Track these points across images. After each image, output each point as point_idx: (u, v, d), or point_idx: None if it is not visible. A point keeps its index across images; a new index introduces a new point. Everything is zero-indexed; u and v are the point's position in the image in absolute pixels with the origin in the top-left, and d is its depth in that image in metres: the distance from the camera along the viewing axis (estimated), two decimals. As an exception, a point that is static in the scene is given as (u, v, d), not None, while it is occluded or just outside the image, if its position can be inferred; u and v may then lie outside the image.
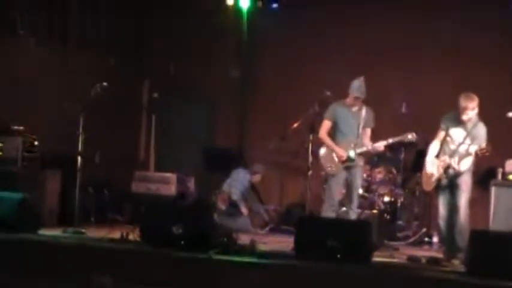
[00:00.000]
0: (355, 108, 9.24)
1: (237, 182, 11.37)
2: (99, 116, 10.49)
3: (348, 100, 9.25)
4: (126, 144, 12.90)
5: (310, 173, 9.29)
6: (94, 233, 9.15)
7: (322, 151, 9.29)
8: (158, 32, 12.97)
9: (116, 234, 8.58)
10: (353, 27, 11.95)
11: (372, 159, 10.98)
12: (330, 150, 9.20)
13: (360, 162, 9.30)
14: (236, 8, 12.39)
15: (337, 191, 9.24)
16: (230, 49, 12.64)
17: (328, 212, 9.13)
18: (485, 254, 7.34)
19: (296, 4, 12.21)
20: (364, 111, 9.25)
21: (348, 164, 9.14)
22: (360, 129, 9.20)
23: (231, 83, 12.69)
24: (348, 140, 9.19)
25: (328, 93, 9.60)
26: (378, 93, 11.19)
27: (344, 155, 9.11)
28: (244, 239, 8.36)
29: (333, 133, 9.26)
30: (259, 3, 12.34)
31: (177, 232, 7.99)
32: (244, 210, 11.25)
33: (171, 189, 11.52)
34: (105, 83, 9.55)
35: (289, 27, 12.30)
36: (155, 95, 12.68)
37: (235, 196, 11.23)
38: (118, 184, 11.71)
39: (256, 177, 11.56)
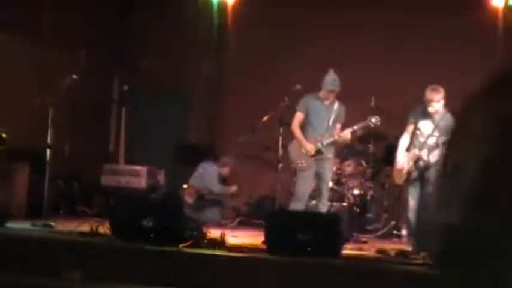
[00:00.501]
0: (327, 102, 9.25)
1: (204, 175, 11.34)
2: (69, 109, 10.42)
3: (321, 93, 9.26)
4: (96, 137, 12.85)
5: (280, 166, 9.31)
6: (63, 226, 9.08)
7: (292, 145, 9.29)
8: (129, 26, 12.91)
9: (86, 228, 8.53)
10: (323, 23, 12.00)
11: (342, 152, 11.06)
12: (299, 144, 9.22)
13: (329, 154, 9.31)
14: (208, 3, 12.37)
15: (306, 184, 9.25)
16: (201, 44, 12.61)
17: (297, 205, 9.14)
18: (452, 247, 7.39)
19: (268, 2, 12.21)
20: (336, 106, 9.27)
21: (317, 157, 9.16)
22: (331, 123, 9.22)
23: (202, 76, 12.67)
24: (317, 133, 9.20)
25: (299, 86, 9.62)
26: (347, 87, 11.27)
27: (312, 149, 9.12)
28: (214, 232, 8.36)
29: (303, 125, 9.27)
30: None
31: (147, 225, 7.96)
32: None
33: (141, 182, 11.49)
34: (74, 76, 9.49)
35: (260, 23, 12.30)
36: (125, 88, 12.63)
37: (202, 190, 11.20)
38: (88, 177, 11.66)
39: (225, 170, 11.54)
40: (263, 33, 12.28)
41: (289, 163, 9.60)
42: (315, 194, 9.44)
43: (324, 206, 9.32)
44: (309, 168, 9.15)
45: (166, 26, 12.57)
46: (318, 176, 9.24)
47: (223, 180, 11.58)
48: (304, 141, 9.14)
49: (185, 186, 11.31)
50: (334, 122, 9.27)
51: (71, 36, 12.07)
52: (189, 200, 11.16)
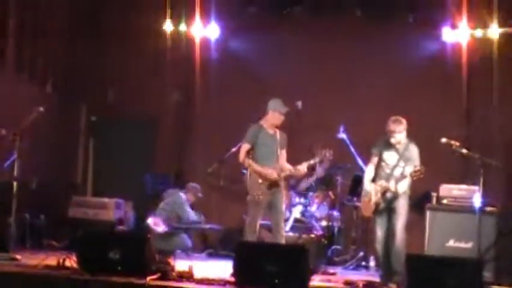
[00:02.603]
0: (272, 131, 9.29)
1: (174, 203, 11.27)
2: (36, 141, 10.35)
3: (266, 123, 9.29)
4: (64, 168, 12.76)
5: (248, 197, 9.30)
6: (29, 259, 8.99)
7: (248, 177, 9.27)
8: (97, 57, 12.90)
9: (52, 261, 8.46)
10: (291, 53, 12.10)
11: (311, 184, 11.12)
12: (256, 176, 9.19)
13: (282, 185, 9.33)
14: (177, 34, 12.43)
15: (259, 216, 9.15)
16: (170, 73, 12.63)
17: (249, 237, 9.08)
18: (420, 277, 7.45)
19: (237, 33, 12.30)
20: (278, 133, 9.32)
21: (273, 189, 9.15)
22: (279, 152, 9.25)
23: (171, 106, 12.68)
24: (267, 163, 9.19)
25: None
26: (315, 118, 11.37)
27: (274, 174, 9.11)
28: (182, 265, 8.33)
29: (252, 156, 9.24)
30: (198, 29, 12.36)
31: (114, 258, 7.92)
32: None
33: (109, 215, 11.43)
34: (41, 108, 9.45)
35: (230, 55, 12.39)
36: (93, 118, 12.59)
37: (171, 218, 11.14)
38: (55, 209, 11.56)
39: (192, 197, 11.50)
40: (232, 65, 12.34)
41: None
42: (272, 225, 9.36)
43: (282, 238, 9.23)
44: (265, 200, 9.12)
45: (134, 56, 12.58)
46: (272, 208, 9.20)
47: (191, 208, 11.52)
48: (265, 169, 9.11)
49: (152, 217, 11.22)
50: (281, 149, 9.29)
51: (38, 68, 12.04)
52: (157, 229, 11.06)
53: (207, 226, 11.58)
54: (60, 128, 12.18)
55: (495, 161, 9.91)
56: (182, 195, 11.36)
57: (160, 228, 11.05)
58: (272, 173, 9.10)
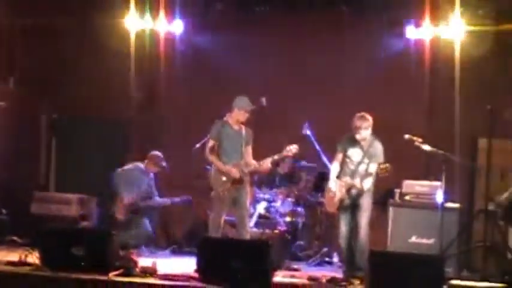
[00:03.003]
0: (237, 127, 9.33)
1: (132, 182, 11.04)
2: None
3: (231, 119, 9.33)
4: (26, 164, 12.64)
5: (212, 193, 9.31)
6: (-9, 255, 8.93)
7: (212, 173, 9.29)
8: (59, 54, 12.79)
9: (14, 257, 8.40)
10: (258, 50, 12.10)
11: (275, 180, 11.15)
12: (219, 172, 9.22)
13: (246, 181, 9.36)
14: (141, 32, 12.36)
15: (223, 212, 9.24)
16: (134, 70, 12.56)
17: (213, 233, 9.12)
18: (383, 273, 7.50)
19: (204, 29, 12.27)
20: (244, 130, 9.36)
21: (238, 185, 9.19)
22: (243, 148, 9.29)
23: (134, 103, 12.61)
24: (232, 159, 9.25)
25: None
26: (280, 114, 11.38)
27: (237, 174, 9.15)
28: (146, 261, 8.31)
29: (218, 152, 9.27)
30: (164, 26, 12.29)
31: (77, 254, 7.88)
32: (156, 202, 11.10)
33: (72, 210, 11.34)
34: (2, 103, 9.36)
35: (196, 51, 12.34)
36: (55, 116, 12.49)
37: (131, 199, 10.93)
38: (17, 205, 11.46)
39: (152, 167, 11.13)
40: (199, 60, 12.31)
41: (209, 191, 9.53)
42: (236, 221, 9.42)
43: (246, 233, 9.29)
44: (229, 196, 9.17)
45: (96, 53, 12.48)
46: (237, 204, 9.25)
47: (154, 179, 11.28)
48: (228, 168, 9.15)
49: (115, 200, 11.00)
50: (246, 146, 9.33)
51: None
52: (120, 216, 10.93)
53: (177, 199, 11.24)
54: (22, 124, 12.06)
55: (457, 157, 10.03)
56: (139, 164, 11.21)
57: (122, 215, 10.82)
58: (235, 173, 9.13)
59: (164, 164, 11.17)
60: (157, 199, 11.18)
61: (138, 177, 11.11)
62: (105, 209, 11.47)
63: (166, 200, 11.22)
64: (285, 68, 12.02)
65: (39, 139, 13.15)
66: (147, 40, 12.27)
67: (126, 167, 11.18)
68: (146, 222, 10.98)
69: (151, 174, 11.22)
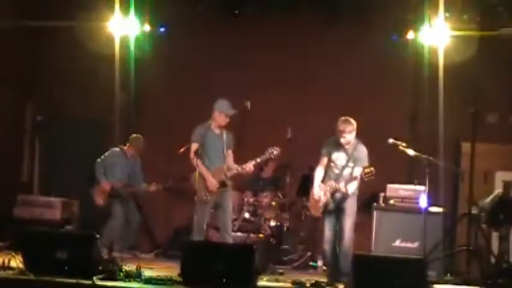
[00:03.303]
0: (218, 131, 9.36)
1: (111, 167, 10.89)
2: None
3: (213, 123, 9.36)
4: (9, 167, 12.58)
5: (196, 197, 9.30)
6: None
7: (194, 177, 9.28)
8: (42, 55, 12.74)
9: (-3, 261, 8.35)
10: (240, 53, 12.11)
11: (259, 184, 11.16)
12: (202, 177, 9.23)
13: (229, 185, 9.39)
14: (122, 31, 12.30)
15: (205, 216, 9.28)
16: (117, 71, 12.52)
17: (197, 236, 9.13)
18: (367, 277, 7.52)
19: (185, 31, 12.24)
20: (225, 133, 9.39)
21: (220, 189, 9.21)
22: (225, 152, 9.31)
23: (118, 106, 12.57)
24: (214, 163, 9.29)
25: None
26: (264, 118, 11.39)
27: (215, 186, 9.17)
28: (129, 265, 8.29)
29: (200, 156, 9.27)
30: (146, 28, 12.25)
31: (61, 257, 7.84)
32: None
33: (56, 214, 11.30)
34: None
35: (178, 51, 12.32)
36: (39, 118, 12.44)
37: (110, 185, 10.78)
38: (0, 208, 11.40)
39: (131, 149, 10.98)
40: (180, 62, 12.29)
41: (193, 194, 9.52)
42: (219, 225, 9.42)
43: (229, 237, 9.32)
44: (212, 200, 9.20)
45: (79, 55, 12.43)
46: (220, 207, 9.28)
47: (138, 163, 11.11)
48: (209, 177, 9.18)
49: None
50: (228, 149, 9.36)
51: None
52: (99, 200, 10.77)
53: (160, 185, 11.03)
54: (5, 126, 12.00)
55: (441, 161, 10.06)
56: (115, 149, 11.03)
57: (102, 200, 10.68)
58: (214, 185, 9.14)
59: (142, 146, 11.04)
60: (141, 185, 11.03)
61: (116, 162, 10.94)
62: (87, 213, 11.42)
63: (150, 186, 10.99)
64: (269, 71, 12.04)
65: (22, 140, 13.09)
66: (130, 42, 12.22)
67: (104, 154, 11.02)
68: (131, 204, 10.85)
69: (133, 159, 11.04)
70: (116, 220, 10.71)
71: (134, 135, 11.16)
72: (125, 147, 11.07)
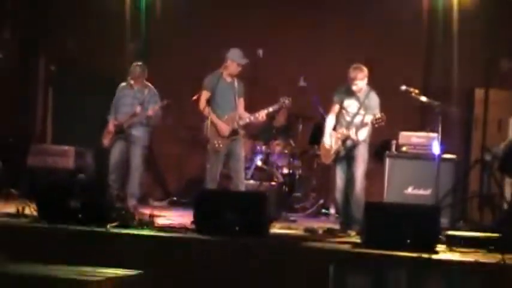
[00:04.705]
0: (229, 80, 9.33)
1: (115, 105, 10.26)
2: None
3: (225, 71, 9.32)
4: (23, 117, 12.62)
5: (208, 146, 9.31)
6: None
7: (206, 125, 9.26)
8: (55, 6, 12.68)
9: (11, 209, 8.41)
10: (253, 1, 12.02)
11: (271, 132, 11.15)
12: (214, 125, 9.24)
13: (241, 133, 9.40)
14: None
15: (219, 164, 9.28)
16: (128, 24, 12.47)
17: (209, 185, 9.16)
18: (379, 225, 7.53)
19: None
20: (236, 82, 9.37)
21: (233, 137, 9.22)
22: (237, 101, 9.29)
23: (130, 58, 12.53)
24: (225, 111, 9.27)
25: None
26: (276, 67, 11.34)
27: (227, 132, 9.17)
28: (143, 213, 8.35)
29: (211, 105, 9.26)
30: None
31: (74, 206, 7.89)
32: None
33: (69, 163, 11.34)
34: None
35: (189, 3, 12.24)
36: (52, 68, 12.41)
37: (114, 122, 10.17)
38: (14, 157, 11.46)
39: (130, 79, 10.29)
40: (192, 12, 12.22)
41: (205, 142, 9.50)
42: (231, 173, 9.44)
43: (242, 185, 9.36)
44: (224, 148, 9.20)
45: (92, 6, 12.37)
46: (232, 156, 9.29)
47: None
48: (220, 123, 9.19)
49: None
50: (239, 98, 9.36)
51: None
52: (105, 141, 10.20)
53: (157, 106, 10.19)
54: (18, 76, 12.00)
55: (454, 108, 10.01)
56: (122, 83, 10.38)
57: (108, 140, 10.35)
58: (225, 131, 9.13)
59: (140, 72, 10.27)
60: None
61: (122, 95, 10.30)
62: (100, 163, 11.39)
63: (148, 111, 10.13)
64: (282, 20, 11.93)
65: (36, 91, 13.10)
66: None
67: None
68: (122, 148, 10.17)
69: (142, 88, 10.29)
70: (111, 156, 10.14)
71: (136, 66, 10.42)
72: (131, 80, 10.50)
